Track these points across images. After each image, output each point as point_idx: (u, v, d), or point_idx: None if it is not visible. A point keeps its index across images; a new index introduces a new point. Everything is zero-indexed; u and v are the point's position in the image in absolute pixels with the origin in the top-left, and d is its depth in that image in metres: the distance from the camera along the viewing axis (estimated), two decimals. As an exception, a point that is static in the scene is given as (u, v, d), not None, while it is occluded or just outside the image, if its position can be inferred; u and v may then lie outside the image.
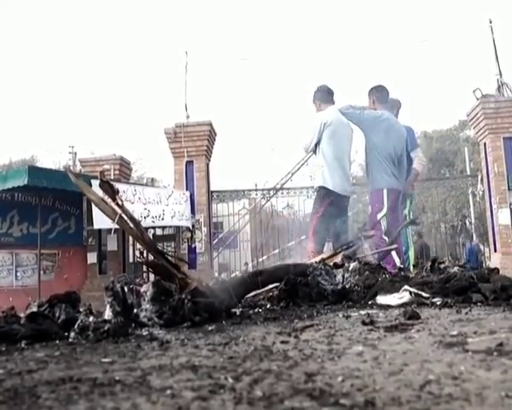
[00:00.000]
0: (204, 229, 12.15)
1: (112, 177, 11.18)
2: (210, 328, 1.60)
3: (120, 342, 1.37)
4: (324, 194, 6.19)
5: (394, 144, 6.69)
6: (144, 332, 1.54)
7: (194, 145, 11.82)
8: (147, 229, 13.39)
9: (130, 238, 12.18)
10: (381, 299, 2.35)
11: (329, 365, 0.99)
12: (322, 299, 2.56)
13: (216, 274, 12.72)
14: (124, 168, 12.14)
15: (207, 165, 12.39)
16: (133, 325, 1.59)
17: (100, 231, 11.05)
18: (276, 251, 16.24)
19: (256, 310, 2.43)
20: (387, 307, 2.16)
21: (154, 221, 11.00)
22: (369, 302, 2.40)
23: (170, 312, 1.65)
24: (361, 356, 1.06)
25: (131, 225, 2.37)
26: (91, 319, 1.54)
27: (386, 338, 1.25)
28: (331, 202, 6.20)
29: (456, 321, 1.46)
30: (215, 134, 12.45)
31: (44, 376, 1.01)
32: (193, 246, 12.13)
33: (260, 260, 17.24)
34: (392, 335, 1.29)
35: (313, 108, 6.35)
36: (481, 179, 13.53)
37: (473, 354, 1.01)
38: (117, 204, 2.30)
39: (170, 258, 2.48)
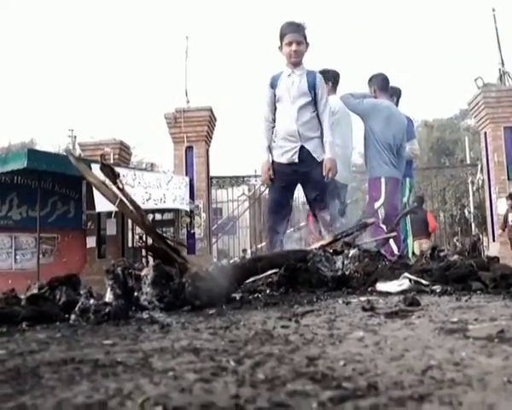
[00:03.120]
0: (203, 215, 12.16)
1: (111, 161, 11.17)
2: (210, 312, 1.61)
3: (121, 325, 1.38)
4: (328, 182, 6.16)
5: (394, 133, 6.66)
6: (145, 315, 1.54)
7: (194, 131, 11.79)
8: (147, 213, 13.43)
9: (130, 223, 12.20)
10: (381, 286, 2.35)
11: (331, 349, 1.00)
12: (322, 285, 2.56)
13: (215, 260, 12.75)
14: (123, 153, 12.12)
15: (207, 150, 12.37)
16: (134, 308, 1.60)
17: (99, 215, 11.06)
18: (275, 238, 16.27)
19: (256, 295, 2.43)
20: (387, 294, 2.17)
21: (156, 204, 11.02)
22: (369, 289, 2.41)
23: (170, 295, 1.65)
24: (362, 341, 1.06)
25: (132, 208, 2.36)
26: (92, 301, 1.54)
27: (386, 324, 1.26)
28: (333, 190, 6.18)
29: (457, 308, 1.46)
30: (215, 120, 12.42)
31: (46, 357, 1.01)
32: (192, 231, 12.14)
33: (259, 246, 17.27)
34: (393, 321, 1.30)
35: None
36: (481, 169, 13.51)
37: (474, 340, 1.01)
38: (118, 188, 2.30)
39: (170, 242, 2.48)
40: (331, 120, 4.66)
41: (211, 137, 12.45)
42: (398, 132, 6.70)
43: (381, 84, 6.41)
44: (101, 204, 9.66)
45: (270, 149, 4.70)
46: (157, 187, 11.07)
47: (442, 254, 2.68)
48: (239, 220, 15.29)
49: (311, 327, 1.27)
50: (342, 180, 6.26)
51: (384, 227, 5.92)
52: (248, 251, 18.30)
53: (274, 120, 4.69)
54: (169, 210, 12.28)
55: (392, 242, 5.71)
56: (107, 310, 1.47)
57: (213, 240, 13.82)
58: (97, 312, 1.47)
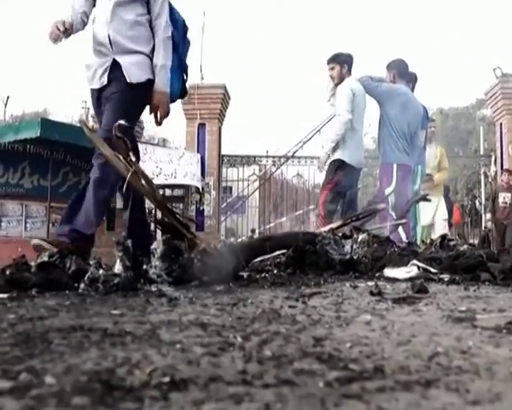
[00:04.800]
0: (213, 192, 12.17)
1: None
2: (218, 288, 1.62)
3: (129, 296, 1.39)
4: (339, 164, 6.13)
5: (409, 120, 6.61)
6: (153, 288, 1.55)
7: (207, 108, 11.74)
8: (157, 188, 13.48)
9: (140, 197, 12.24)
10: (389, 272, 2.35)
11: (337, 331, 1.00)
12: (330, 268, 2.56)
13: (223, 238, 12.79)
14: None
15: (219, 128, 12.32)
16: (142, 280, 1.61)
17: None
18: (284, 219, 16.27)
19: (263, 275, 2.44)
20: (395, 280, 2.17)
21: (166, 179, 11.03)
22: (377, 275, 2.41)
23: (179, 270, 1.66)
24: (369, 325, 1.06)
25: (144, 182, 2.37)
26: (101, 271, 1.55)
27: (394, 309, 1.26)
28: (344, 174, 6.15)
29: (465, 298, 1.46)
30: (229, 98, 12.35)
31: (55, 323, 1.02)
32: (201, 209, 12.16)
33: (268, 226, 17.29)
34: (401, 307, 1.29)
35: (332, 72, 6.04)
36: (495, 160, 13.36)
37: (481, 330, 1.01)
38: (130, 160, 2.30)
39: (179, 217, 2.49)
40: (169, 32, 3.21)
41: (224, 115, 12.38)
42: (413, 120, 6.64)
43: (399, 69, 6.34)
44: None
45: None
46: (168, 162, 11.08)
47: (452, 243, 2.67)
48: (248, 200, 15.30)
49: (318, 308, 1.28)
50: (356, 164, 6.23)
51: (393, 214, 5.91)
52: (257, 231, 18.33)
53: (86, 15, 3.23)
54: (179, 186, 12.29)
55: (400, 229, 5.70)
56: (115, 281, 1.48)
57: (222, 218, 13.85)
58: (106, 282, 1.48)
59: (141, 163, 10.69)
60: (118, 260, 1.59)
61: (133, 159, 2.31)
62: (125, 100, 3.04)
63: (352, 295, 1.53)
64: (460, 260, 2.22)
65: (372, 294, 1.51)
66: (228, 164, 13.38)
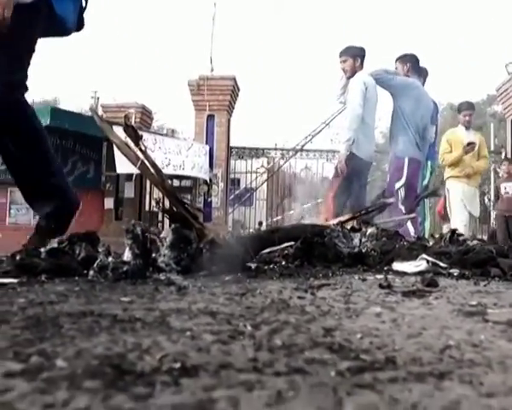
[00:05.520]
0: (221, 184, 12.18)
1: (133, 124, 11.17)
2: (226, 278, 1.61)
3: (138, 284, 1.39)
4: (349, 158, 6.11)
5: (422, 114, 6.58)
6: (162, 277, 1.55)
7: (216, 99, 11.73)
8: (166, 177, 13.49)
9: (148, 187, 12.28)
10: (398, 266, 2.34)
11: (347, 322, 0.99)
12: (338, 261, 2.56)
13: (230, 230, 12.81)
14: (145, 117, 12.13)
15: (229, 120, 12.32)
16: (151, 269, 1.61)
17: (118, 177, 11.14)
18: (292, 212, 16.26)
19: (271, 266, 2.44)
20: (404, 273, 2.16)
21: (175, 170, 11.05)
22: (385, 268, 2.40)
23: (188, 259, 1.66)
24: (379, 317, 1.06)
25: (153, 171, 2.37)
26: (110, 259, 1.56)
27: (404, 302, 1.25)
28: (355, 167, 6.13)
29: (475, 292, 1.45)
30: (238, 89, 12.33)
31: (65, 308, 1.02)
32: (209, 200, 12.19)
33: (275, 219, 17.28)
34: (410, 300, 1.29)
35: (344, 65, 6.01)
36: (505, 157, 13.26)
37: (493, 324, 1.00)
38: (140, 149, 2.30)
39: (188, 207, 2.49)
40: None
41: (233, 107, 12.37)
42: (425, 114, 6.62)
43: (414, 63, 6.33)
44: (122, 166, 9.72)
45: None
46: (177, 153, 11.09)
47: (461, 238, 2.65)
48: (256, 192, 15.29)
49: (328, 300, 1.27)
50: (367, 157, 6.20)
51: (403, 208, 5.89)
52: (264, 223, 18.33)
53: None
54: (187, 177, 12.32)
55: (409, 223, 5.68)
56: (125, 268, 1.48)
57: (230, 210, 13.87)
58: (115, 269, 1.48)
59: (150, 153, 10.69)
60: (127, 248, 1.59)
61: (143, 148, 2.31)
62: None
63: (362, 288, 1.52)
64: (470, 255, 2.20)
65: (381, 287, 1.50)
66: (236, 156, 13.38)
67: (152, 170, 2.36)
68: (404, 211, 5.19)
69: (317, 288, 1.48)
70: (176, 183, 13.08)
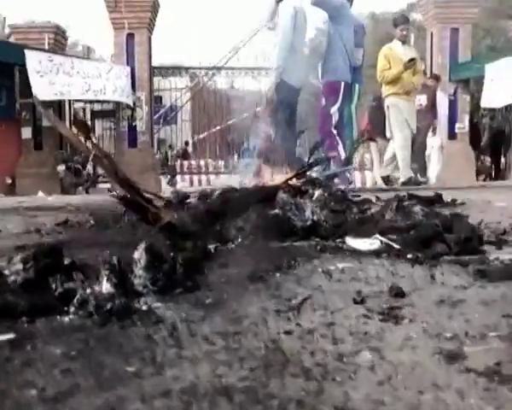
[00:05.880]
0: (145, 107, 11.79)
1: (46, 46, 10.38)
2: (207, 301, 1.64)
3: (127, 327, 1.40)
4: (279, 84, 6.10)
5: (353, 37, 6.63)
6: (143, 306, 1.56)
7: (136, 17, 11.10)
8: (86, 103, 12.81)
9: (67, 115, 11.65)
10: (351, 241, 2.46)
11: (352, 391, 1.07)
12: (292, 234, 2.66)
13: (157, 156, 12.59)
14: (59, 37, 11.27)
15: (149, 38, 11.75)
16: (130, 296, 1.61)
17: (34, 105, 10.47)
18: (218, 128, 16.11)
19: (229, 247, 2.50)
20: (359, 253, 2.29)
21: (96, 95, 10.54)
22: (339, 242, 2.53)
23: (163, 278, 1.68)
24: (374, 372, 1.15)
25: (106, 161, 2.30)
26: (89, 291, 1.55)
27: (385, 335, 1.35)
28: (286, 94, 6.13)
29: (441, 305, 1.58)
30: (158, 5, 11.68)
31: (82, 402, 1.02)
32: (133, 124, 11.82)
33: (201, 136, 17.09)
34: (390, 330, 1.39)
35: None
36: (424, 69, 13.66)
37: (476, 377, 1.11)
38: (91, 142, 2.20)
39: (143, 193, 2.48)
40: None
41: (154, 24, 11.73)
42: (354, 36, 6.68)
43: None
44: (40, 92, 9.13)
45: None
46: (97, 77, 10.51)
47: (405, 204, 2.79)
48: (182, 111, 14.97)
49: (315, 336, 1.35)
50: (296, 84, 6.20)
51: (335, 132, 6.01)
52: (190, 142, 18.11)
53: None
54: (109, 101, 11.79)
55: (340, 148, 5.81)
56: (108, 306, 1.48)
57: (154, 130, 13.55)
58: (99, 308, 1.47)
59: (67, 78, 10.09)
60: (105, 279, 1.58)
61: (94, 140, 2.22)
62: None
63: (337, 304, 1.61)
64: (417, 232, 2.35)
65: (355, 302, 1.60)
66: (159, 75, 12.90)
67: (105, 161, 2.29)
68: (341, 153, 5.31)
69: (297, 309, 1.56)
70: (97, 106, 12.53)
